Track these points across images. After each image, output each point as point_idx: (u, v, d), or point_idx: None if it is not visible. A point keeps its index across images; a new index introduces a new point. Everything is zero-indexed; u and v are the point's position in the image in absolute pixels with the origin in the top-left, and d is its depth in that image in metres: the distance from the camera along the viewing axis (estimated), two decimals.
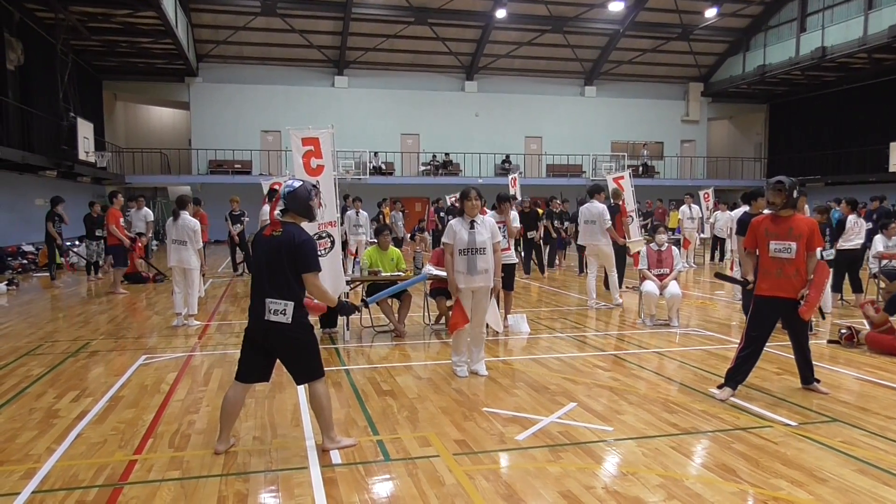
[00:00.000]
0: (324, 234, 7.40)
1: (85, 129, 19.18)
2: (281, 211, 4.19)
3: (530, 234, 14.75)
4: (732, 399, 5.37)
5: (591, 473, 3.92)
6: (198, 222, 8.79)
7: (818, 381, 5.63)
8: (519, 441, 4.46)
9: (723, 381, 5.52)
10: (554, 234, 16.49)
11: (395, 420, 4.94)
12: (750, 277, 5.56)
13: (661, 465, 4.04)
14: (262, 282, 4.10)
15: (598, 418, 4.92)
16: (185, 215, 8.68)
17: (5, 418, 5.02)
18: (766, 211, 5.75)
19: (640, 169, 30.99)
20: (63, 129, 18.31)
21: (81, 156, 18.78)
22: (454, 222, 6.18)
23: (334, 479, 3.87)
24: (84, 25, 19.67)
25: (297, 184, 4.26)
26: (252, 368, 4.23)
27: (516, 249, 16.07)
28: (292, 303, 4.04)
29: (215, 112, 27.77)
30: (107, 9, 18.80)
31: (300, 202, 4.18)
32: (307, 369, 4.19)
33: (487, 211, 6.67)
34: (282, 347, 4.15)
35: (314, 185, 4.35)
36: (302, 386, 4.98)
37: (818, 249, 5.35)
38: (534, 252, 15.31)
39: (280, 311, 4.01)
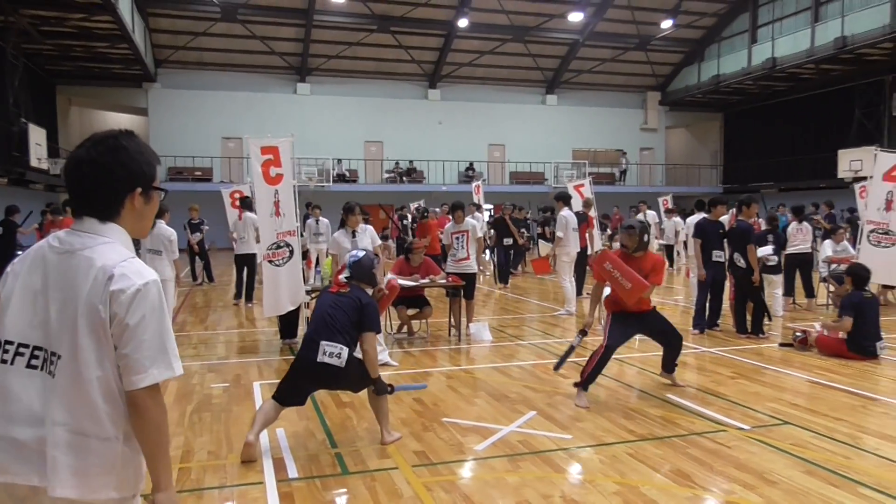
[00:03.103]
0: (282, 244, 7.32)
1: (37, 136, 18.66)
2: (346, 277, 4.68)
3: (506, 241, 14.70)
4: (688, 404, 5.47)
5: (549, 482, 3.95)
6: (174, 231, 8.48)
7: (676, 365, 6.08)
8: (478, 451, 4.47)
9: (581, 386, 5.53)
10: (521, 241, 16.59)
11: (354, 432, 4.91)
12: (592, 318, 5.89)
13: (617, 472, 4.09)
14: (319, 328, 4.40)
15: (558, 426, 4.96)
16: (161, 224, 8.43)
17: None
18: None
19: (619, 175, 31.59)
20: (13, 135, 17.78)
21: (33, 162, 18.26)
22: (337, 234, 7.34)
23: (290, 494, 3.83)
24: (36, 29, 19.17)
25: (360, 254, 4.84)
26: (292, 395, 4.50)
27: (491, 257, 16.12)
28: (347, 349, 4.36)
29: (175, 118, 27.28)
30: (60, 12, 18.34)
31: (364, 270, 4.73)
32: (359, 385, 4.60)
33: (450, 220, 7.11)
34: (334, 382, 4.58)
35: (376, 255, 4.99)
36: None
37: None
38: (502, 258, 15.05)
39: (335, 353, 4.31)
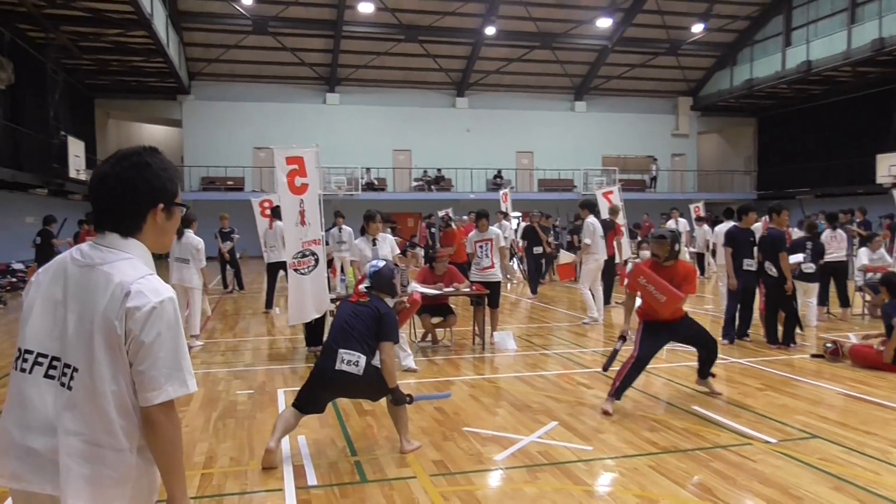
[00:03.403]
0: (307, 253, 7.40)
1: (76, 148, 19.20)
2: (366, 287, 4.71)
3: (536, 250, 14.63)
4: (714, 416, 5.37)
5: (567, 494, 3.91)
6: (201, 240, 8.67)
7: (713, 375, 6.10)
8: (497, 461, 4.45)
9: (613, 392, 5.55)
10: (549, 249, 16.51)
11: (374, 440, 4.92)
12: (627, 325, 5.88)
13: (637, 484, 4.03)
14: (338, 337, 4.44)
15: (579, 437, 4.91)
16: (189, 233, 8.62)
17: None
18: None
19: (649, 182, 31.34)
20: (53, 148, 18.33)
21: (72, 174, 18.79)
22: (358, 241, 7.42)
23: (309, 501, 3.86)
24: (75, 45, 19.76)
25: (381, 264, 4.83)
26: (311, 403, 4.55)
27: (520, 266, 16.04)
28: (365, 357, 4.38)
29: (207, 129, 27.81)
30: (98, 28, 18.88)
31: (384, 281, 4.74)
32: (377, 394, 4.62)
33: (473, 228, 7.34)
34: (352, 390, 4.63)
35: (396, 265, 5.01)
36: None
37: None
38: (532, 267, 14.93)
39: (353, 361, 4.34)
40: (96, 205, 1.86)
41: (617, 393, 5.55)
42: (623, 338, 5.82)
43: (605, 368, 5.99)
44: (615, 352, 5.85)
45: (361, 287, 4.80)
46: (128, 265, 1.79)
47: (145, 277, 1.78)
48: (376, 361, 4.51)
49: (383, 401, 4.75)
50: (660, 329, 5.68)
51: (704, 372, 6.05)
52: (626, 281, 8.60)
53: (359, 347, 4.38)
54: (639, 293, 5.71)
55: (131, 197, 1.83)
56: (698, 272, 17.47)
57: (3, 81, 17.49)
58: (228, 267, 15.23)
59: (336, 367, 4.34)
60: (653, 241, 5.85)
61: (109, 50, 20.95)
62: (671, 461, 4.39)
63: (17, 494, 1.80)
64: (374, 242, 7.35)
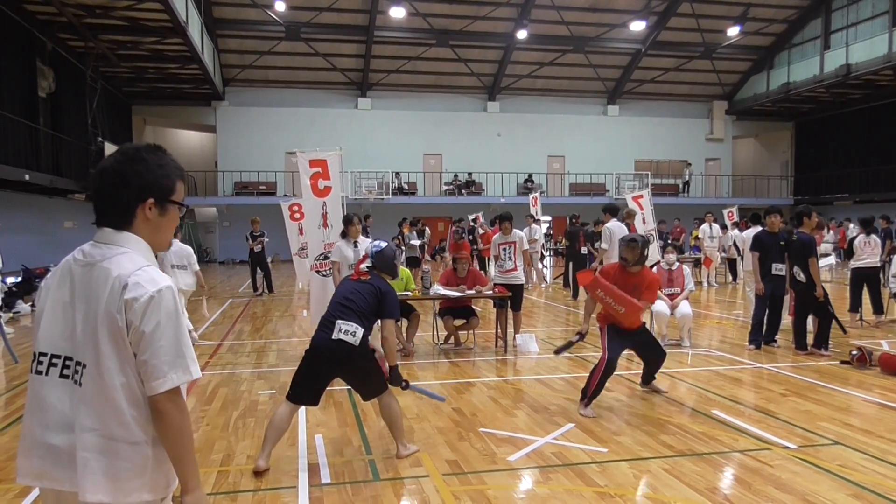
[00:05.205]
0: (329, 254, 7.49)
1: None
2: (367, 267, 4.72)
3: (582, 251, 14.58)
4: (733, 420, 5.28)
5: (578, 495, 3.89)
6: (189, 247, 8.96)
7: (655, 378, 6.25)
8: (510, 462, 4.45)
9: (586, 401, 5.60)
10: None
11: (389, 440, 4.94)
12: (587, 325, 5.98)
13: (650, 487, 3.99)
14: (336, 310, 4.44)
15: (595, 439, 4.88)
16: (176, 241, 8.87)
17: (10, 437, 5.15)
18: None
19: (682, 186, 30.99)
20: (91, 154, 18.85)
21: None
22: (341, 244, 7.30)
23: (321, 499, 3.91)
24: (113, 53, 20.29)
25: (383, 244, 4.85)
26: (305, 391, 4.46)
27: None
28: (363, 329, 4.34)
29: (241, 135, 28.29)
30: (135, 37, 19.38)
31: (386, 261, 4.76)
32: (371, 388, 4.51)
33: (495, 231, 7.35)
34: (346, 369, 4.46)
35: (397, 245, 4.78)
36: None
37: None
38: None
39: (350, 332, 4.31)
40: (94, 199, 1.90)
41: (589, 400, 5.59)
42: (581, 334, 5.95)
43: (557, 353, 6.25)
44: (571, 343, 6.03)
45: (362, 266, 4.79)
46: (125, 259, 1.83)
47: (142, 269, 1.81)
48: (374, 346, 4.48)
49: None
50: (621, 332, 5.80)
51: (648, 378, 6.22)
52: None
53: (357, 320, 4.35)
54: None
55: (122, 189, 1.86)
56: (730, 277, 17.20)
57: (44, 89, 18.07)
58: (259, 270, 15.48)
59: (333, 337, 4.29)
60: (623, 244, 5.91)
61: (146, 58, 21.46)
62: (686, 464, 4.34)
63: (47, 494, 1.85)
64: (355, 244, 7.25)
